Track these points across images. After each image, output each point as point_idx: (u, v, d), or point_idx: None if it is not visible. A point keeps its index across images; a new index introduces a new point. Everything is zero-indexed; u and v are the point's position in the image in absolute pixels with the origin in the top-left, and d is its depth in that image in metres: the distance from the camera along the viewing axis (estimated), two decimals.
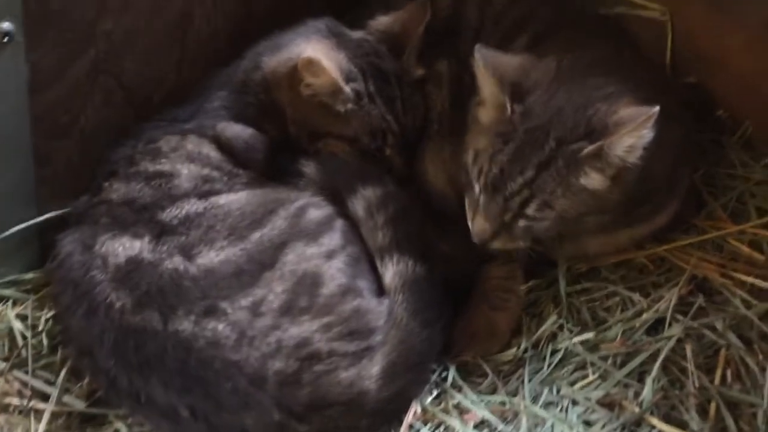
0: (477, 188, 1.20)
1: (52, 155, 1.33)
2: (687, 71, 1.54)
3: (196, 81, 1.43)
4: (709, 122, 1.53)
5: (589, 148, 1.11)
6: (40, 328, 1.32)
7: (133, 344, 1.11)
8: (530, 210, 1.17)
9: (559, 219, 1.18)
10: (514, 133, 1.15)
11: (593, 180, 1.14)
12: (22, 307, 1.36)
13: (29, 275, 1.39)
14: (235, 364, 1.08)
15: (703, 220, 1.40)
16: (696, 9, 1.49)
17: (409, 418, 1.14)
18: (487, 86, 1.17)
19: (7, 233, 1.32)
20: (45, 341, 1.30)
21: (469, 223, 1.23)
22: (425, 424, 1.14)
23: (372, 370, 1.11)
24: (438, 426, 1.14)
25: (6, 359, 1.28)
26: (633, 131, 1.08)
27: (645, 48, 1.53)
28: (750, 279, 1.28)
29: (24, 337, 1.30)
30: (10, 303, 1.36)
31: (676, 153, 1.30)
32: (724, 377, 1.17)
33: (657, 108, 1.06)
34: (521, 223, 1.19)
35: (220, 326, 1.10)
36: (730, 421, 1.10)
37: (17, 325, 1.31)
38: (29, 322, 1.32)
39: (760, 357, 1.18)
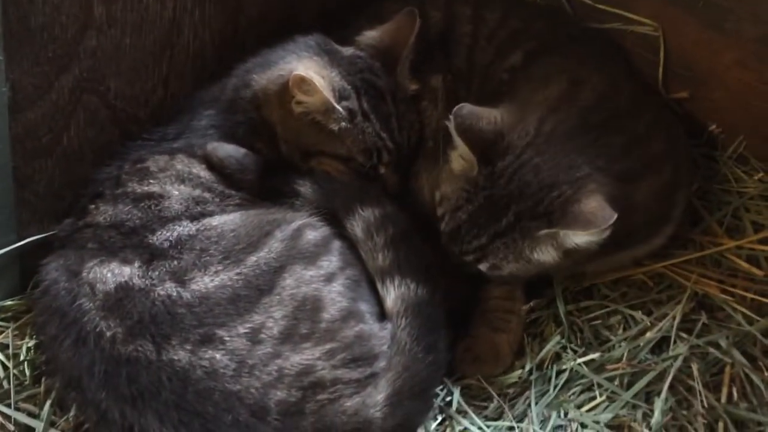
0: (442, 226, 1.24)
1: (33, 176, 1.28)
2: (680, 86, 1.55)
3: (183, 96, 1.40)
4: (702, 137, 1.54)
5: (546, 231, 1.13)
6: (22, 358, 1.28)
7: (126, 375, 1.06)
8: (482, 266, 1.21)
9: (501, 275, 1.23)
10: (477, 195, 1.18)
11: (545, 255, 1.17)
12: (1, 336, 1.30)
13: (8, 302, 1.35)
14: (235, 394, 1.04)
15: (700, 235, 1.40)
16: (689, 25, 1.49)
17: None
18: (458, 144, 1.19)
19: None
20: (27, 371, 1.26)
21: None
22: None
23: (377, 397, 1.08)
24: None
25: None
26: (590, 232, 1.10)
27: (638, 63, 1.55)
28: (750, 294, 1.29)
29: (5, 368, 1.25)
30: None
31: (669, 189, 1.31)
32: (730, 395, 1.17)
33: (615, 216, 1.08)
34: (481, 267, 1.22)
35: (218, 355, 1.06)
36: None
37: None
38: (10, 351, 1.28)
39: (765, 373, 1.18)
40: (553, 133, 1.19)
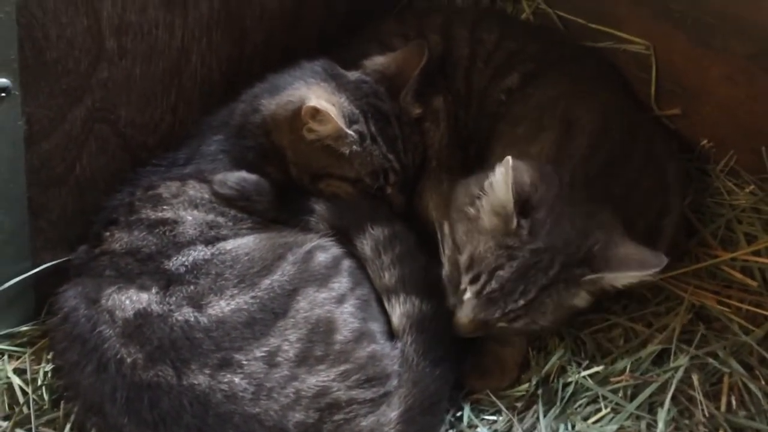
0: (466, 288, 1.18)
1: (47, 205, 1.31)
2: (672, 103, 1.59)
3: (191, 122, 1.43)
4: (694, 152, 1.58)
5: (591, 276, 1.14)
6: (40, 383, 1.29)
7: (148, 401, 1.09)
8: (517, 324, 1.18)
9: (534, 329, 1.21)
10: (520, 251, 1.14)
11: (582, 300, 1.19)
12: (19, 361, 1.33)
13: (24, 328, 1.37)
14: (255, 417, 1.07)
15: (695, 247, 1.44)
16: (679, 43, 1.53)
17: None
18: (501, 194, 1.14)
19: (4, 287, 1.29)
20: (46, 396, 1.28)
21: (450, 304, 1.22)
22: None
23: (390, 415, 1.12)
24: None
25: (7, 417, 1.24)
26: (646, 273, 1.12)
27: (631, 81, 1.60)
28: (745, 305, 1.33)
29: (24, 393, 1.27)
30: (6, 357, 1.33)
31: (656, 222, 1.34)
32: (729, 404, 1.21)
33: (666, 260, 1.12)
34: (501, 325, 1.19)
35: (237, 379, 1.09)
36: None
37: (16, 380, 1.28)
38: (28, 376, 1.29)
39: (762, 382, 1.22)
40: (571, 184, 1.20)
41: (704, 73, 1.53)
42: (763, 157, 1.49)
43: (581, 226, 1.16)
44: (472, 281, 1.16)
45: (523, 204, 1.14)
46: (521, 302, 1.14)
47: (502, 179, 1.12)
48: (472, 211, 1.19)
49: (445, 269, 1.22)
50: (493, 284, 1.14)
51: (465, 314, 1.17)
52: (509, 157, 1.11)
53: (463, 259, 1.18)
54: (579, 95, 1.43)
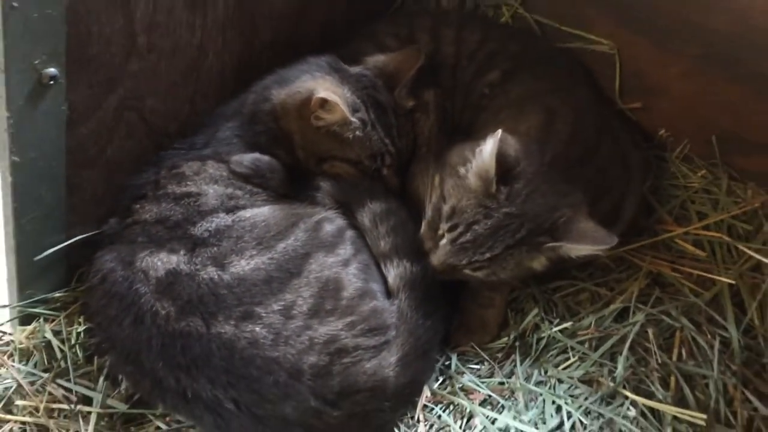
0: (443, 234, 1.34)
1: (81, 184, 1.43)
2: (634, 97, 1.75)
3: (206, 113, 1.57)
4: (654, 141, 1.76)
5: (551, 244, 1.30)
6: (74, 342, 1.43)
7: (180, 347, 1.23)
8: (479, 272, 1.35)
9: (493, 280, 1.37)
10: (495, 212, 1.30)
11: (539, 263, 1.35)
12: (53, 323, 1.46)
13: (57, 294, 1.49)
14: (275, 360, 1.21)
15: (654, 224, 1.62)
16: (641, 44, 1.68)
17: (422, 400, 1.30)
18: (487, 160, 1.29)
19: (42, 255, 1.42)
20: (80, 353, 1.41)
21: (424, 247, 1.38)
22: (437, 405, 1.31)
23: (390, 359, 1.27)
24: (448, 405, 1.32)
25: (47, 370, 1.39)
26: (597, 248, 1.28)
27: (597, 77, 1.76)
28: (696, 272, 1.50)
29: (62, 350, 1.40)
30: (42, 320, 1.46)
31: (618, 203, 1.50)
32: (680, 354, 1.37)
33: (616, 240, 1.28)
34: (465, 272, 1.36)
35: (257, 328, 1.23)
36: (687, 391, 1.30)
37: (54, 340, 1.41)
38: (63, 335, 1.43)
39: (708, 336, 1.39)
40: (550, 164, 1.36)
41: (663, 72, 1.68)
42: (713, 145, 1.68)
43: (552, 202, 1.32)
44: (450, 229, 1.32)
45: (505, 172, 1.29)
46: (487, 255, 1.31)
47: (490, 147, 1.27)
48: (462, 170, 1.35)
49: (428, 215, 1.38)
50: (468, 236, 1.31)
51: (438, 257, 1.34)
52: (500, 130, 1.27)
53: (446, 207, 1.34)
54: (555, 89, 1.59)
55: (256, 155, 1.47)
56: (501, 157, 1.28)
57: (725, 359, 1.35)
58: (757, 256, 1.49)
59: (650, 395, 1.30)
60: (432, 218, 1.38)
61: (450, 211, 1.34)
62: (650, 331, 1.39)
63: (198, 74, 1.55)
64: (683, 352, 1.38)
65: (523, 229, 1.30)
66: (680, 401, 1.30)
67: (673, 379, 1.33)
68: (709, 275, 1.48)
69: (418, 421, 1.29)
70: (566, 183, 1.36)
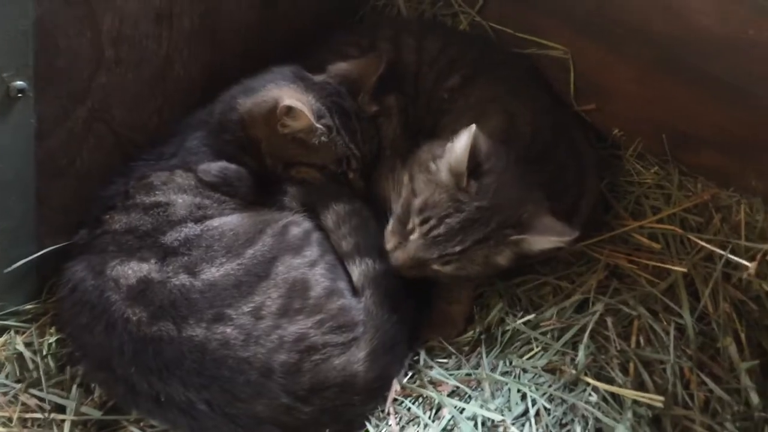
0: (412, 229, 1.37)
1: (51, 195, 1.46)
2: (588, 99, 1.81)
3: (174, 122, 1.59)
4: (608, 140, 1.82)
5: (516, 237, 1.35)
6: (45, 352, 1.44)
7: (152, 351, 1.25)
8: (448, 267, 1.38)
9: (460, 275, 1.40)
10: (467, 206, 1.34)
11: (505, 258, 1.39)
12: (25, 335, 1.47)
13: (28, 306, 1.51)
14: (245, 360, 1.24)
15: (611, 220, 1.67)
16: (593, 48, 1.74)
17: (392, 393, 1.34)
18: (459, 155, 1.33)
19: (12, 268, 1.44)
20: (52, 363, 1.43)
21: (388, 245, 1.41)
22: (406, 398, 1.35)
23: (359, 355, 1.31)
24: (417, 398, 1.35)
25: (19, 381, 1.40)
26: (559, 240, 1.33)
27: (553, 81, 1.82)
28: (651, 263, 1.55)
29: (33, 361, 1.42)
30: (13, 332, 1.47)
31: (575, 203, 1.55)
32: (638, 341, 1.42)
33: (577, 233, 1.33)
34: (434, 268, 1.39)
35: (228, 330, 1.26)
36: (645, 376, 1.35)
37: (26, 351, 1.43)
38: (35, 347, 1.44)
39: (664, 323, 1.44)
40: (515, 161, 1.41)
41: (615, 75, 1.74)
42: (664, 143, 1.75)
43: (518, 197, 1.37)
44: (422, 222, 1.35)
45: (476, 167, 1.34)
46: (458, 248, 1.34)
47: (463, 142, 1.32)
48: (433, 166, 1.39)
49: (398, 211, 1.41)
50: (441, 229, 1.34)
51: (409, 251, 1.37)
52: (474, 125, 1.32)
53: (418, 202, 1.37)
54: (513, 93, 1.64)
55: (224, 164, 1.50)
56: (474, 151, 1.32)
57: (681, 345, 1.40)
58: (709, 246, 1.55)
59: (610, 381, 1.35)
60: (402, 213, 1.41)
61: (422, 205, 1.36)
62: (609, 321, 1.44)
63: (165, 85, 1.58)
64: (641, 339, 1.43)
65: (492, 223, 1.34)
66: (639, 386, 1.34)
67: (632, 365, 1.37)
68: (664, 265, 1.54)
69: (389, 414, 1.32)
70: (528, 181, 1.41)
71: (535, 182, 1.42)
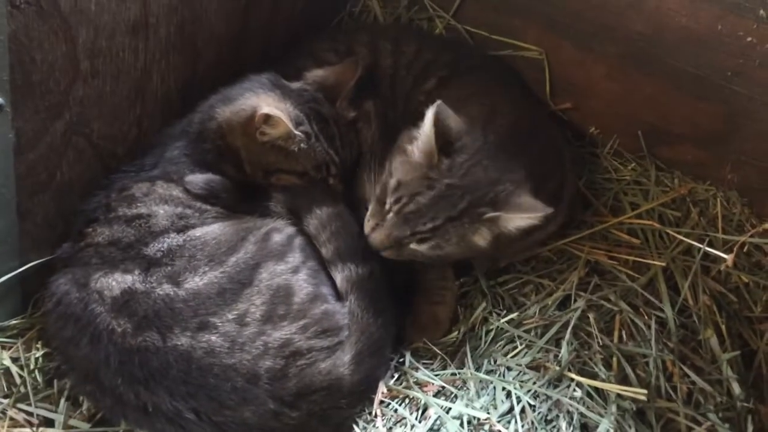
0: (389, 209, 1.39)
1: (32, 209, 1.45)
2: (564, 98, 1.84)
3: (154, 133, 1.60)
4: (585, 138, 1.85)
5: (491, 215, 1.35)
6: (32, 367, 1.44)
7: (138, 362, 1.26)
8: (423, 246, 1.39)
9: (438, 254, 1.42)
10: (437, 183, 1.36)
11: (482, 238, 1.40)
12: (11, 351, 1.47)
13: (13, 321, 1.51)
14: (231, 367, 1.25)
15: (591, 217, 1.70)
16: (566, 48, 1.78)
17: (378, 395, 1.35)
18: (427, 130, 1.36)
19: None
20: (39, 377, 1.43)
21: (366, 228, 1.44)
22: (393, 400, 1.36)
23: (344, 358, 1.32)
24: (404, 399, 1.36)
25: (7, 396, 1.40)
26: (531, 216, 1.34)
27: (529, 81, 1.84)
28: (631, 258, 1.58)
29: (21, 376, 1.42)
30: None
31: (557, 191, 1.56)
32: (620, 336, 1.45)
33: (551, 209, 1.34)
34: (411, 247, 1.40)
35: (213, 337, 1.27)
36: (628, 370, 1.38)
37: (12, 366, 1.43)
38: (22, 362, 1.44)
39: (646, 318, 1.47)
40: (494, 143, 1.42)
41: (588, 73, 1.78)
42: (640, 139, 1.78)
43: (494, 176, 1.38)
44: (396, 201, 1.38)
45: (446, 144, 1.35)
46: (429, 225, 1.36)
47: (429, 116, 1.34)
48: (409, 147, 1.41)
49: (377, 191, 1.44)
50: (411, 206, 1.36)
51: (386, 229, 1.39)
52: (439, 100, 1.33)
53: (393, 181, 1.40)
54: (491, 91, 1.66)
55: (209, 176, 1.50)
56: (439, 124, 1.33)
57: (663, 338, 1.43)
58: (687, 240, 1.59)
59: (594, 376, 1.37)
60: (380, 194, 1.42)
61: (396, 184, 1.39)
62: (591, 316, 1.46)
63: (144, 97, 1.58)
64: (623, 333, 1.45)
65: (464, 201, 1.35)
66: (623, 380, 1.37)
67: (615, 359, 1.39)
68: (644, 260, 1.57)
69: (376, 416, 1.33)
70: (509, 160, 1.42)
71: (518, 163, 1.43)
